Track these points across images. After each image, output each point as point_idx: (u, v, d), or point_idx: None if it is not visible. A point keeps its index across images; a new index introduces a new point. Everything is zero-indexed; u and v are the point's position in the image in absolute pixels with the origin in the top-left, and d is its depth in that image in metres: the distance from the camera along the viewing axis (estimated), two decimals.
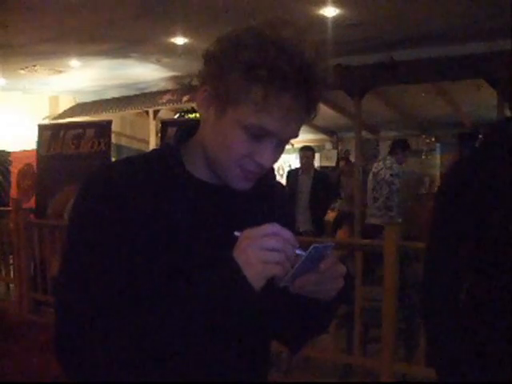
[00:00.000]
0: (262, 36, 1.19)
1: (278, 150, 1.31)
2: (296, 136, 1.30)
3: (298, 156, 15.57)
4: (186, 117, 12.30)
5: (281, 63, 1.17)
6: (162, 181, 1.32)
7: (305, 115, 1.28)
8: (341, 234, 11.22)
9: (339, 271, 1.24)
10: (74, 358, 1.23)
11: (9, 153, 11.96)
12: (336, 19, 7.54)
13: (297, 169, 8.37)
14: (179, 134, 1.42)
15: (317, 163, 15.69)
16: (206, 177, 1.36)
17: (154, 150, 1.51)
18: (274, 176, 1.62)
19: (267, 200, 1.47)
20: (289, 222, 1.44)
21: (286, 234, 1.18)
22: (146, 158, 1.39)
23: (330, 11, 7.30)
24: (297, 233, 1.48)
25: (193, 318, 1.17)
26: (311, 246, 1.16)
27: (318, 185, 7.97)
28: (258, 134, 1.24)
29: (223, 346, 1.29)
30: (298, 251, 1.17)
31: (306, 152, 8.26)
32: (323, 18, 7.47)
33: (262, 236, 1.16)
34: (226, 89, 1.23)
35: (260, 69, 1.18)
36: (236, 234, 1.20)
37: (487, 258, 1.82)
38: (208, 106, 1.29)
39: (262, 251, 1.15)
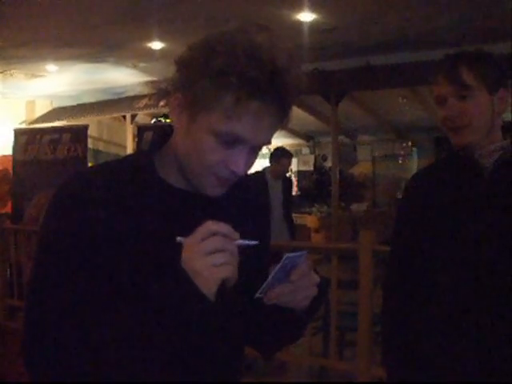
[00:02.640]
0: (233, 42, 1.19)
1: (252, 157, 1.30)
2: (269, 142, 1.29)
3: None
4: (163, 121, 12.29)
5: (251, 70, 1.16)
6: (135, 188, 1.31)
7: (277, 122, 1.27)
8: (317, 238, 11.29)
9: (312, 280, 1.24)
10: (39, 366, 1.23)
11: None
12: (312, 24, 7.58)
13: (262, 172, 6.84)
14: (153, 140, 1.42)
15: (294, 168, 15.77)
16: (180, 183, 1.34)
17: (127, 156, 1.51)
18: (252, 183, 1.58)
19: (242, 207, 1.46)
20: (263, 232, 1.48)
21: (223, 228, 1.16)
22: (119, 165, 1.39)
23: (306, 16, 7.33)
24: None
25: (154, 335, 1.16)
26: (284, 256, 1.15)
27: (287, 191, 7.16)
28: (230, 141, 1.23)
29: (191, 353, 1.28)
30: (240, 241, 1.17)
31: (285, 159, 6.86)
32: (299, 23, 7.50)
33: (200, 240, 1.14)
34: (197, 96, 1.22)
35: (230, 76, 1.17)
36: (178, 239, 1.18)
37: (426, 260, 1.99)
38: (180, 113, 1.28)
39: (205, 257, 1.13)
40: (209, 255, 1.13)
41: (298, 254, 1.18)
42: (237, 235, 1.17)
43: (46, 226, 1.31)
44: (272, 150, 7.29)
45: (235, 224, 1.27)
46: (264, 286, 1.17)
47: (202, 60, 1.21)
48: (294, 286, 1.20)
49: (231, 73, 1.17)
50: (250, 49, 1.18)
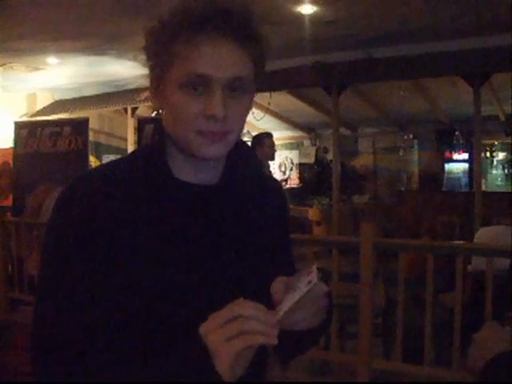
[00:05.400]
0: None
1: (230, 99, 1.23)
2: (240, 77, 1.23)
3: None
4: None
5: (189, 12, 1.22)
6: (148, 188, 1.26)
7: (243, 55, 1.24)
8: (319, 231, 11.30)
9: (323, 290, 1.19)
10: (46, 367, 1.20)
11: None
12: (313, 17, 7.56)
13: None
14: (159, 135, 1.34)
15: (295, 160, 15.77)
16: (190, 178, 1.30)
17: (136, 153, 1.42)
18: (268, 173, 1.55)
19: (258, 198, 1.41)
20: (281, 224, 1.46)
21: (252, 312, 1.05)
22: (127, 163, 1.33)
23: (307, 9, 7.31)
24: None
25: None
26: (296, 276, 1.14)
27: None
28: (195, 84, 1.21)
29: None
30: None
31: (266, 139, 6.73)
32: (300, 16, 7.48)
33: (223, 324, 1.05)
34: (156, 64, 1.27)
35: (171, 27, 1.23)
36: None
37: None
38: (156, 94, 1.31)
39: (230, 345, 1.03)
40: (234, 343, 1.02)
41: (308, 270, 1.14)
42: (270, 315, 1.08)
43: (52, 232, 1.25)
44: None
45: (253, 215, 1.34)
46: (281, 309, 1.10)
47: (149, 35, 1.27)
48: (306, 311, 1.18)
49: (171, 23, 1.23)
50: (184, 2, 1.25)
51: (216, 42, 1.20)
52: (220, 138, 1.23)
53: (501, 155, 14.02)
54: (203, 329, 1.04)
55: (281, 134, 14.25)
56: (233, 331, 1.02)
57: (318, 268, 1.16)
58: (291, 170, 15.75)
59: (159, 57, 1.24)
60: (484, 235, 5.85)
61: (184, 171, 1.30)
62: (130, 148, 11.29)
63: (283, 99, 11.08)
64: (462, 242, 6.55)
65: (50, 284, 1.22)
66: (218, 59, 1.20)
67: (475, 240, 5.93)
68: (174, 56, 1.21)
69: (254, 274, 1.32)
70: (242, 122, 1.29)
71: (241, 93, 1.25)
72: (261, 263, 1.35)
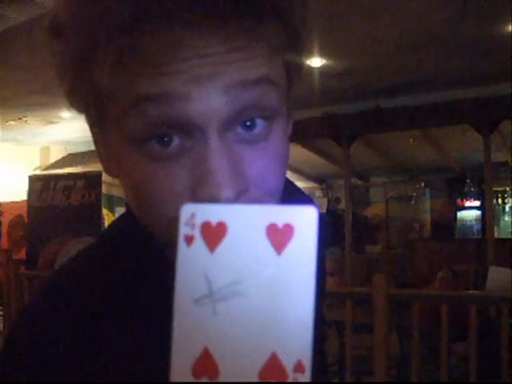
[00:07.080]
0: None
1: (252, 148, 0.64)
2: (254, 76, 0.63)
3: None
4: None
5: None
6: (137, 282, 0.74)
7: (258, 47, 0.63)
8: (332, 282, 11.22)
9: None
10: None
11: None
12: (322, 69, 7.64)
13: None
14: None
15: None
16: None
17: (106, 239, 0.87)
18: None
19: None
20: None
21: None
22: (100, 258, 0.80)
23: (316, 61, 7.40)
24: None
25: None
26: None
27: None
28: (164, 137, 0.62)
29: None
30: None
31: None
32: (310, 69, 7.57)
33: None
34: (80, 105, 0.76)
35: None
36: None
37: None
38: (101, 153, 0.81)
39: None
40: None
41: None
42: None
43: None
44: None
45: None
46: None
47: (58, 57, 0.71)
48: None
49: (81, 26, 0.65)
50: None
51: (188, 38, 0.59)
52: None
53: None
54: None
55: None
56: None
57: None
58: None
59: (83, 91, 0.72)
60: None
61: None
62: None
63: (294, 151, 11.01)
64: (475, 291, 6.50)
65: None
66: (198, 72, 0.60)
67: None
68: (104, 87, 0.67)
69: None
70: (274, 178, 0.67)
71: (264, 127, 0.65)
72: None
